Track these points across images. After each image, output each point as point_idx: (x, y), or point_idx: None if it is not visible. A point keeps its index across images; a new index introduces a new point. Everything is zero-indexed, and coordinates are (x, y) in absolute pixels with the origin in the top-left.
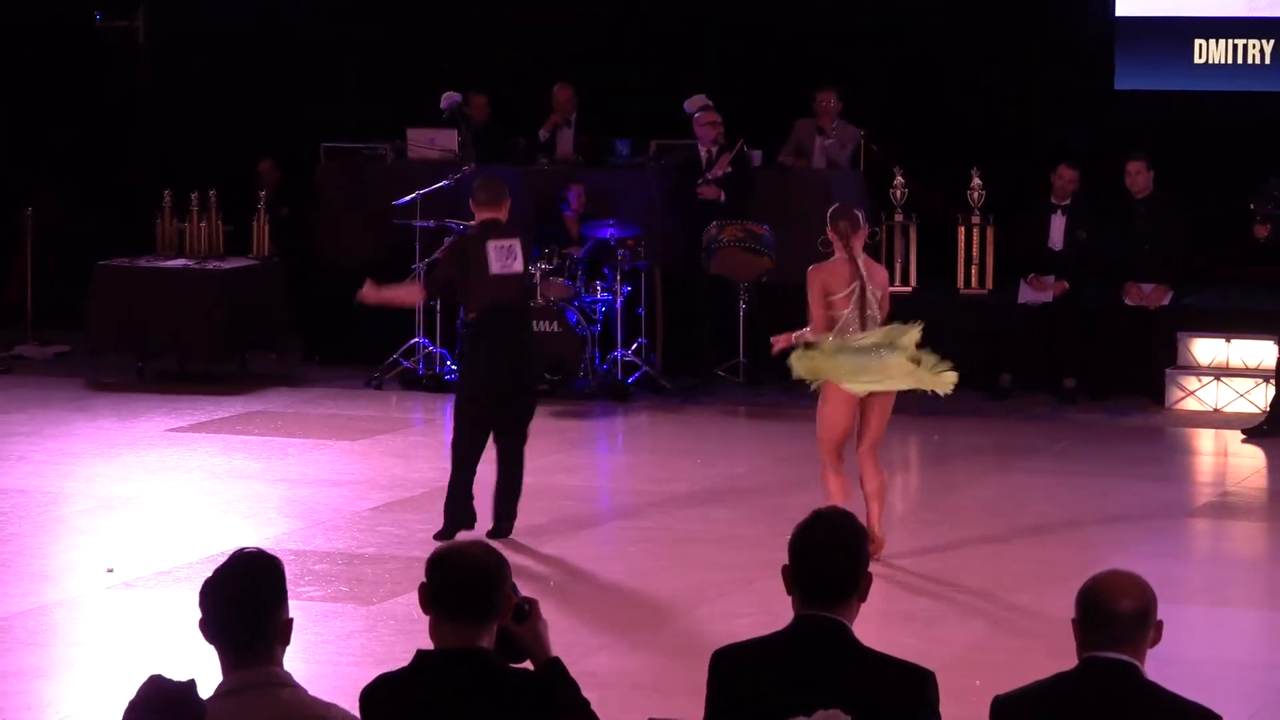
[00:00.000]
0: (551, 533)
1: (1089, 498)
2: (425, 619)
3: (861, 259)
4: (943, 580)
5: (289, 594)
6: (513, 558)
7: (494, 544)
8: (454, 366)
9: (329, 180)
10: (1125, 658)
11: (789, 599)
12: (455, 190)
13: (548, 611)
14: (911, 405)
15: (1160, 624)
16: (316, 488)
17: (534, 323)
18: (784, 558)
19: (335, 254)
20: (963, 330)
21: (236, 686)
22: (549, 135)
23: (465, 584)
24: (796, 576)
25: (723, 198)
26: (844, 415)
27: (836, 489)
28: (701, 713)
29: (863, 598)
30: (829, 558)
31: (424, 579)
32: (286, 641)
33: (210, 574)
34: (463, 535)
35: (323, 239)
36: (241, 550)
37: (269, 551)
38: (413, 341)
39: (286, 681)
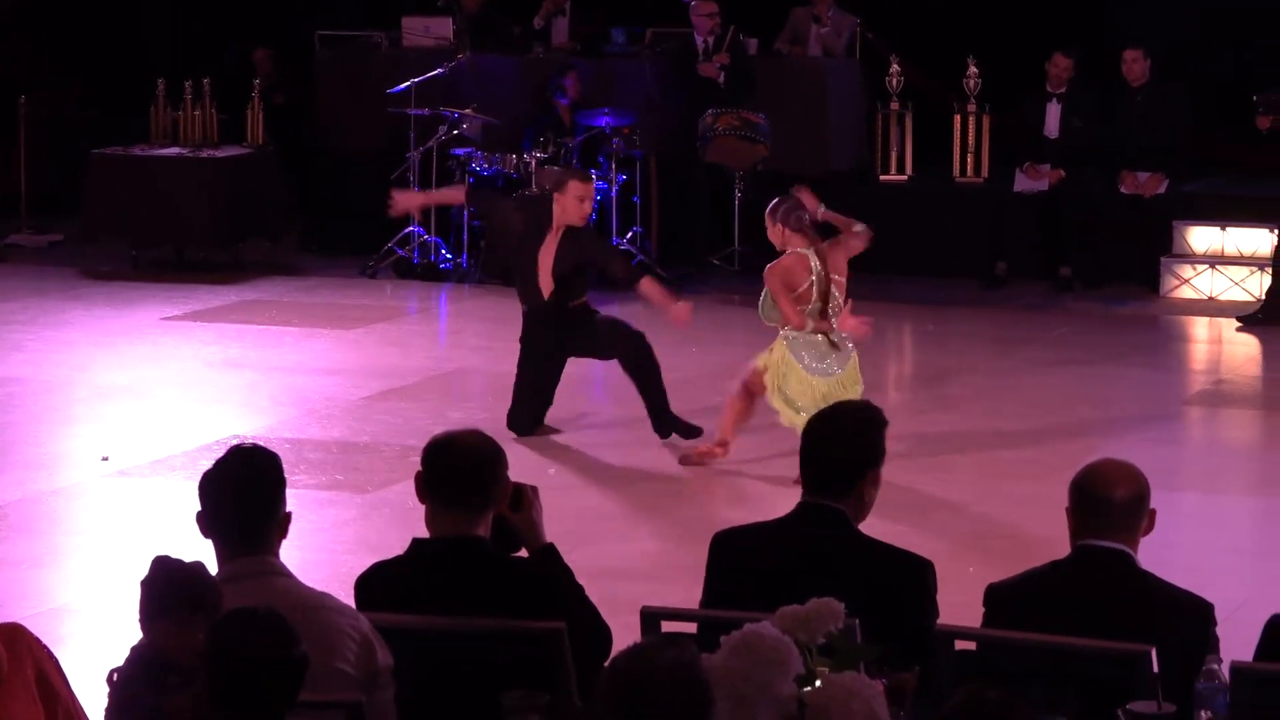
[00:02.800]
0: (549, 422)
1: (1084, 386)
2: (421, 507)
3: (815, 247)
4: (938, 469)
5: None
6: (510, 447)
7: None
8: (448, 255)
9: (324, 68)
10: (1119, 546)
11: (794, 490)
12: (450, 78)
13: (545, 500)
14: (907, 293)
15: (1153, 512)
16: (311, 376)
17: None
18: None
19: (330, 142)
20: (958, 219)
21: (232, 575)
22: (544, 23)
23: (461, 472)
24: (802, 465)
25: (722, 79)
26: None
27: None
28: (698, 600)
29: (872, 483)
30: (832, 447)
31: (420, 467)
32: (284, 534)
33: (208, 468)
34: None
35: (317, 127)
36: (239, 444)
37: (266, 446)
38: (408, 230)
39: (282, 571)
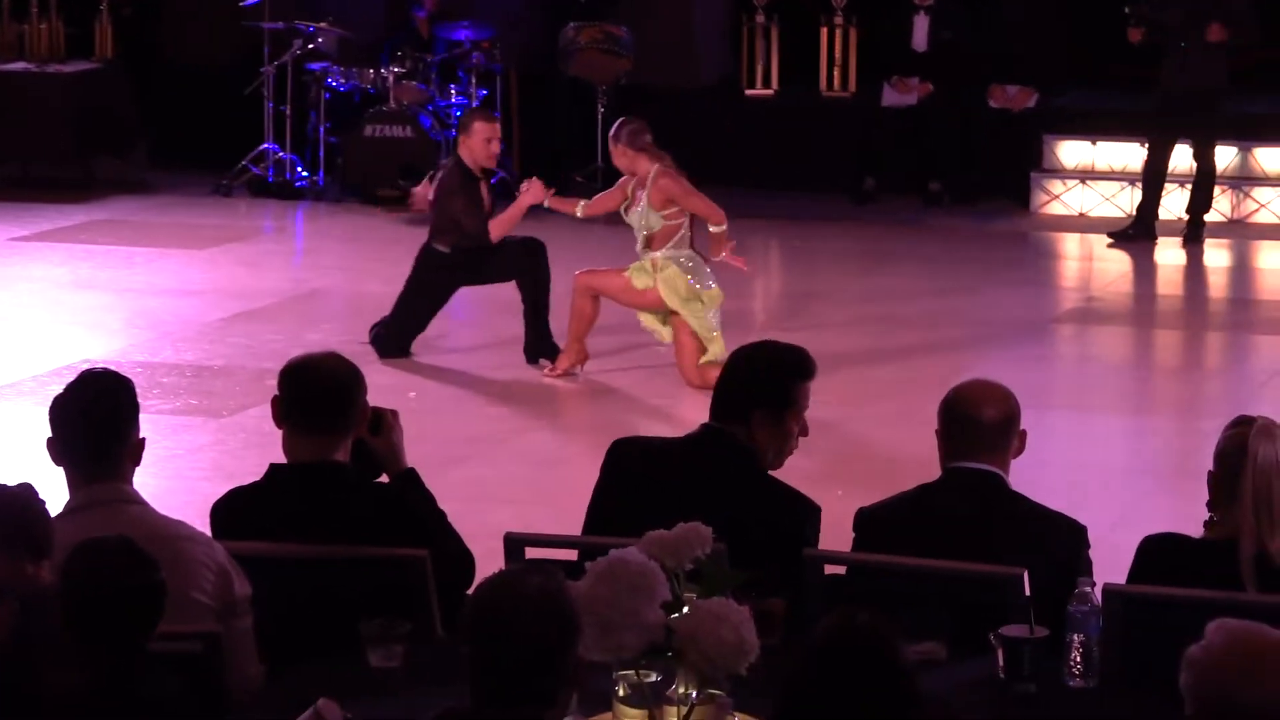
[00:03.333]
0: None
1: (953, 303)
2: (278, 432)
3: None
4: None
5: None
6: (370, 370)
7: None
8: (304, 173)
9: None
10: (989, 468)
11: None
12: None
13: (406, 424)
14: (774, 210)
15: (1024, 433)
16: (164, 298)
17: (388, 127)
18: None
19: (181, 56)
20: (826, 134)
21: (83, 503)
22: None
23: (319, 396)
24: (715, 386)
25: None
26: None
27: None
28: (562, 530)
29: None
30: (739, 374)
31: (277, 391)
32: (137, 461)
33: (58, 393)
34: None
35: (167, 40)
36: (90, 369)
37: (117, 370)
38: (262, 147)
39: (135, 499)
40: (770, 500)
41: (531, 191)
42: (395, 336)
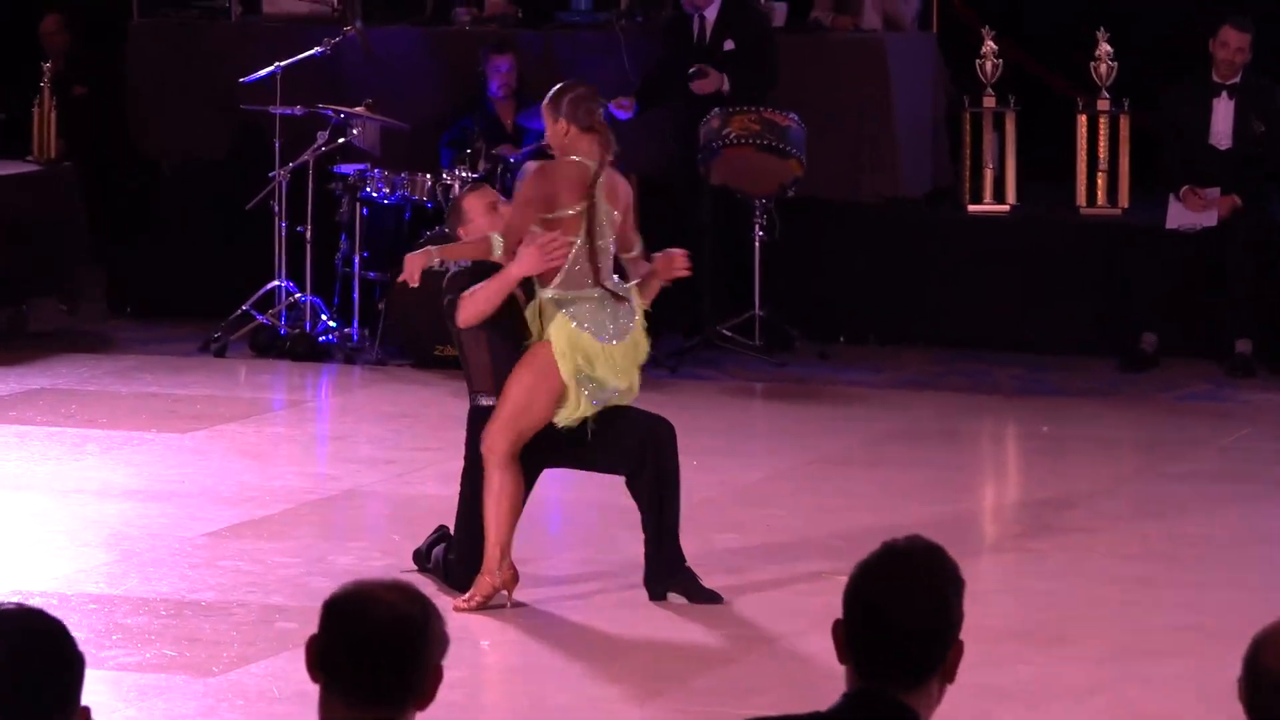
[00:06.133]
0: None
1: (1265, 520)
2: (292, 702)
3: (604, 163)
4: (1053, 639)
5: (86, 666)
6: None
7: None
8: (331, 323)
9: (144, 46)
10: None
11: (840, 669)
12: (333, 61)
13: (484, 684)
14: (1010, 380)
15: None
16: (129, 502)
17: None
18: (834, 608)
19: (153, 154)
20: (1084, 267)
21: None
22: None
23: (373, 647)
24: (852, 638)
25: (727, 86)
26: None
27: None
28: None
29: (948, 676)
30: (901, 613)
31: (317, 632)
32: None
33: None
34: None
35: (136, 132)
36: (8, 607)
37: (46, 611)
38: (271, 286)
39: None
40: None
41: (665, 261)
42: (465, 559)
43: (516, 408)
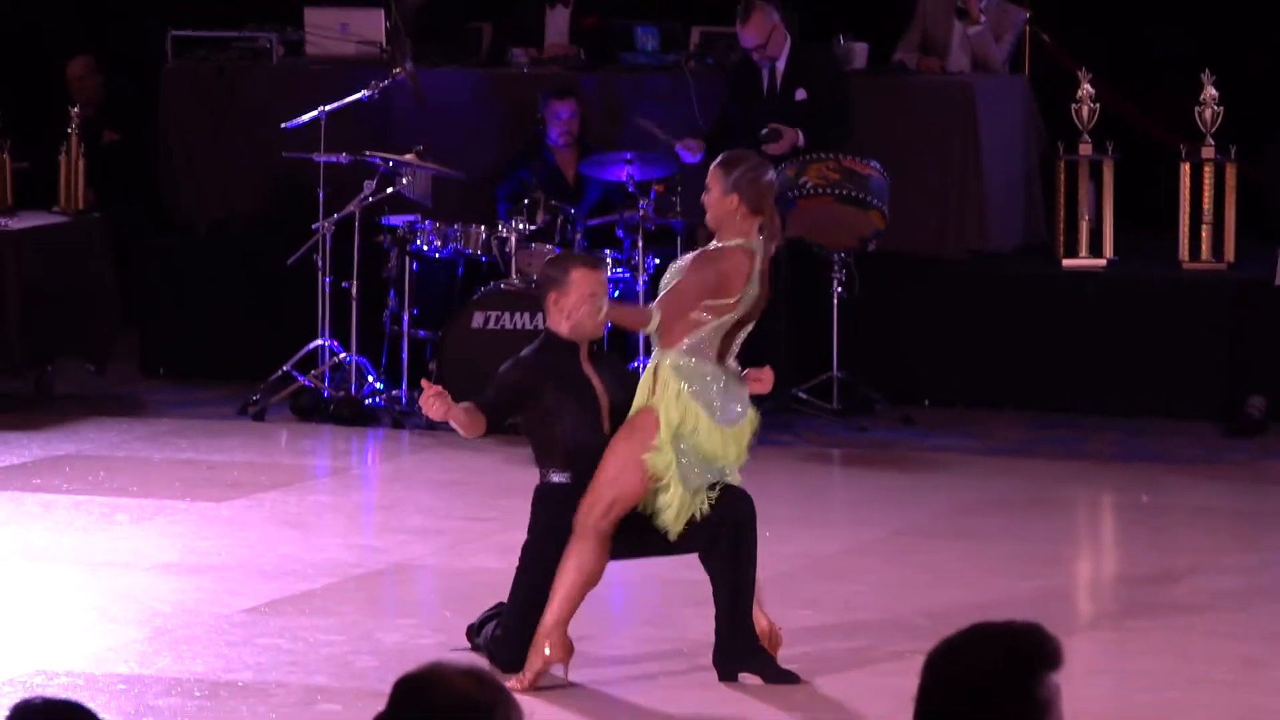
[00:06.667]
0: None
1: None
2: None
3: (765, 241)
4: None
5: None
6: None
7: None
8: (379, 385)
9: (178, 89)
10: None
11: None
12: (381, 104)
13: None
14: (1106, 445)
15: None
16: (162, 575)
17: (508, 314)
18: (904, 687)
19: (188, 205)
20: (1188, 326)
21: None
22: (531, 16)
23: None
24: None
25: (802, 141)
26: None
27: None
28: None
29: None
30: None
31: (384, 708)
32: None
33: None
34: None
35: (170, 182)
36: (30, 700)
37: (75, 702)
38: (315, 345)
39: None
40: None
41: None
42: (517, 638)
43: (610, 479)
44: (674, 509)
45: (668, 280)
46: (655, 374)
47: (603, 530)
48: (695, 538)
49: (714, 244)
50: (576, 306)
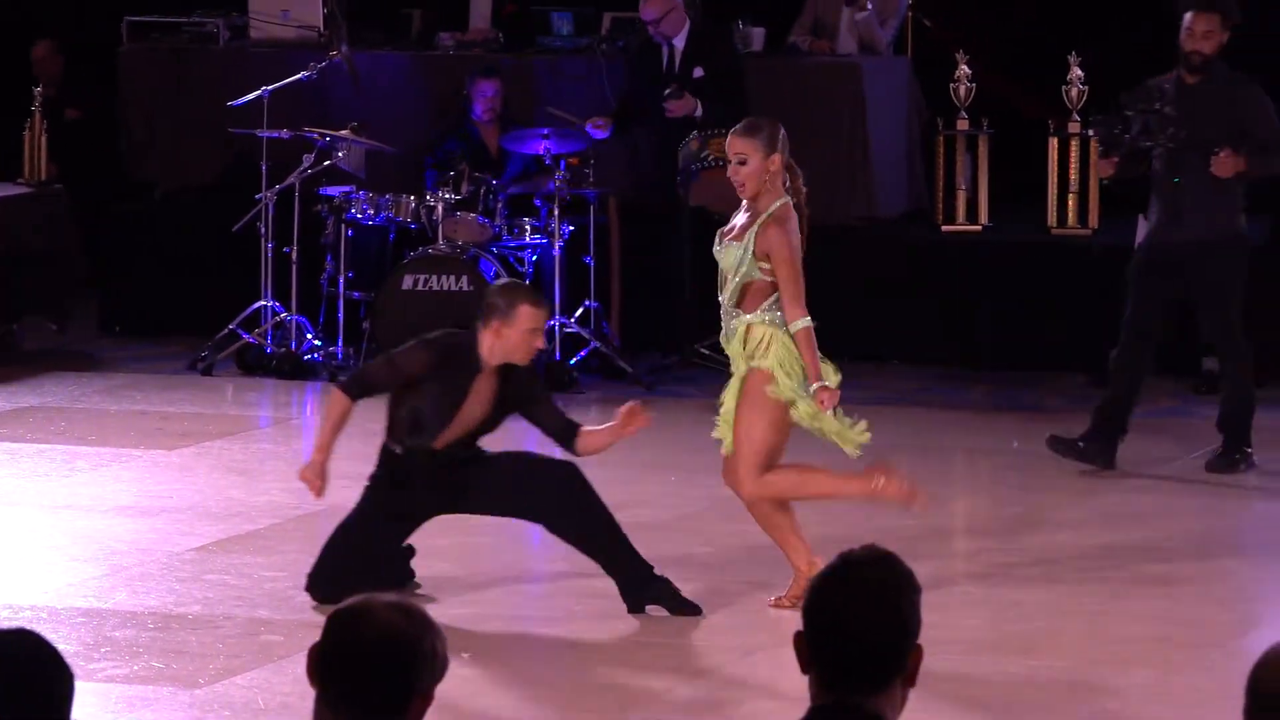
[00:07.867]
0: (465, 586)
1: (1236, 531)
2: (275, 713)
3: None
4: (1019, 653)
5: (76, 678)
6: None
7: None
8: (316, 342)
9: (134, 70)
10: None
11: (803, 679)
12: (319, 84)
13: (463, 695)
14: (982, 399)
15: None
16: (118, 517)
17: (435, 277)
18: (796, 621)
19: (144, 176)
20: (1055, 284)
21: None
22: (457, 2)
23: (364, 665)
24: (815, 649)
25: (699, 111)
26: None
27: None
28: None
29: (910, 681)
30: (860, 621)
31: (318, 641)
32: None
33: None
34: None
35: (127, 155)
36: None
37: (35, 631)
38: (258, 305)
39: None
40: None
41: (626, 415)
42: (328, 573)
43: (748, 443)
44: (812, 417)
45: (742, 258)
46: (746, 335)
47: (766, 478)
48: (535, 510)
49: (773, 207)
50: (518, 344)
